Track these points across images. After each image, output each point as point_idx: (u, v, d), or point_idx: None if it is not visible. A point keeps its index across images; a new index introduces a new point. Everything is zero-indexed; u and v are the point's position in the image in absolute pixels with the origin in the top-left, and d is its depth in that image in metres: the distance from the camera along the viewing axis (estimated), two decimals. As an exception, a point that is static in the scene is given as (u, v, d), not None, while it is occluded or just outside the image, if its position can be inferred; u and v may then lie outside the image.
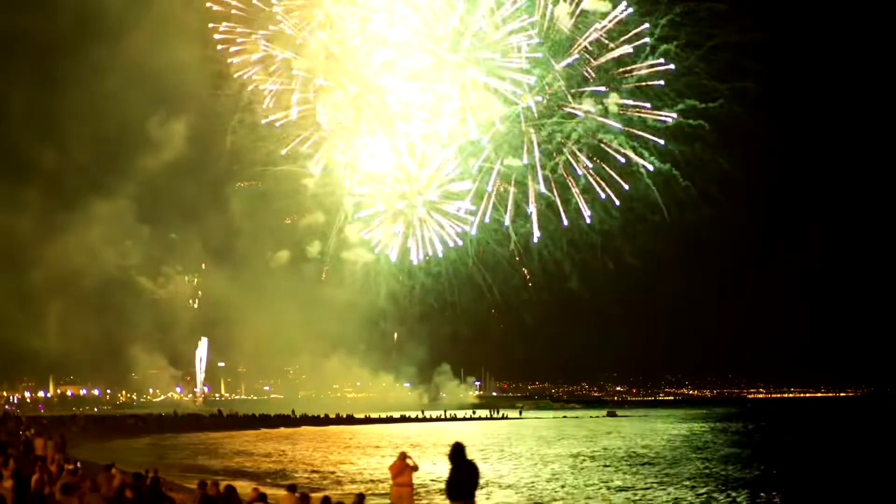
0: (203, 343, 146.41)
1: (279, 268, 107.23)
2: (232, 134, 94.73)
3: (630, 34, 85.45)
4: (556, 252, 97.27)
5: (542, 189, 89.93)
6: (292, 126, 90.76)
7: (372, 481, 35.30)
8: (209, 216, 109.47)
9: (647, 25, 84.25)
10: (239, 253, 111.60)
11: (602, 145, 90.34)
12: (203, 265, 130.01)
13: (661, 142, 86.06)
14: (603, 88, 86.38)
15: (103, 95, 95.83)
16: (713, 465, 42.76)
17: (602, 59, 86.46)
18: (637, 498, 30.87)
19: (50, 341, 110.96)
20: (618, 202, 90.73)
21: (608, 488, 33.66)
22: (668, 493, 31.81)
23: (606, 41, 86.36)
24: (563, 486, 34.57)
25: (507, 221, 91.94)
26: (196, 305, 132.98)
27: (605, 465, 43.45)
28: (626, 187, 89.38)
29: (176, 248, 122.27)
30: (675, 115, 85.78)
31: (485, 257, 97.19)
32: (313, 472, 41.06)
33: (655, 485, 34.48)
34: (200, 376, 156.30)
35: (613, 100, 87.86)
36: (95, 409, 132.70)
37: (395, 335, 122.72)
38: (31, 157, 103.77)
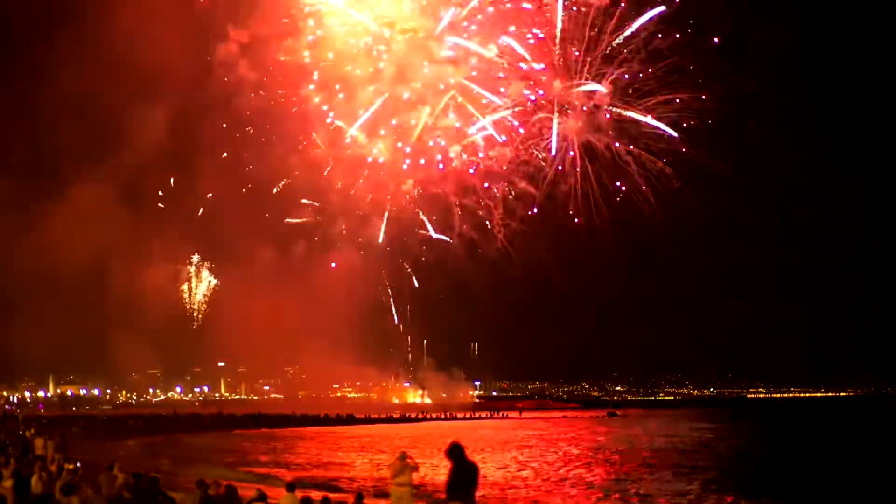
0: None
1: (270, 266, 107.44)
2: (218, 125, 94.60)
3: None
4: (549, 252, 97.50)
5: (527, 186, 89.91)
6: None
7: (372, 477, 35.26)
8: (205, 214, 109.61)
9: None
10: (234, 251, 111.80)
11: (594, 141, 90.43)
12: (195, 263, 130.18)
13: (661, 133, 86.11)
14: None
15: (84, 85, 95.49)
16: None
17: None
18: None
19: (45, 341, 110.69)
20: (611, 200, 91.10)
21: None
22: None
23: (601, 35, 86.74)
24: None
25: (498, 219, 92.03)
26: (194, 304, 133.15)
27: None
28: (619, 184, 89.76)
29: (171, 246, 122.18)
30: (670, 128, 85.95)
31: (478, 256, 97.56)
32: (313, 471, 41.07)
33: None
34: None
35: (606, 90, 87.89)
36: (92, 409, 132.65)
37: (400, 327, 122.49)
38: (8, 150, 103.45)
